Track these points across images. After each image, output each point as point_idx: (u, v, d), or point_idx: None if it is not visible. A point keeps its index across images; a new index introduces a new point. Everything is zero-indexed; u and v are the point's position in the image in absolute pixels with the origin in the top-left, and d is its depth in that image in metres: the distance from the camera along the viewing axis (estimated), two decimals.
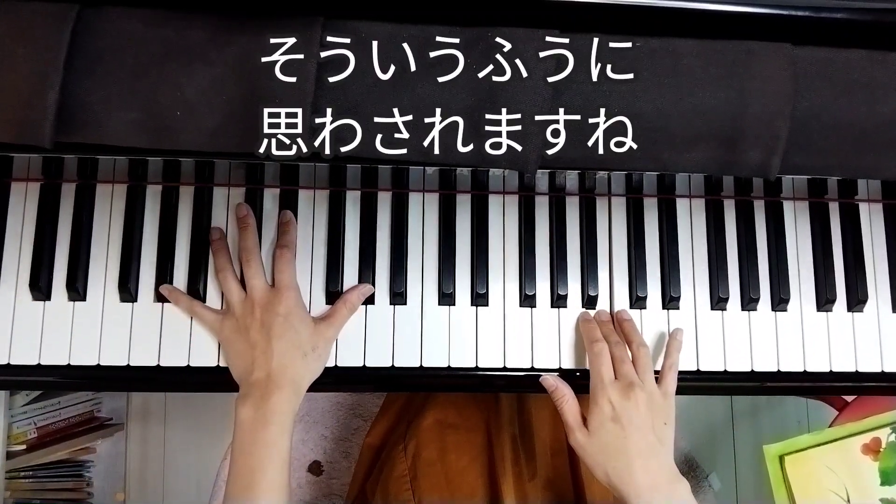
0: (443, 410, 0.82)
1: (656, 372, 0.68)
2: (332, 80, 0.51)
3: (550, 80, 0.52)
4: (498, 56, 0.52)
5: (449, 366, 0.70)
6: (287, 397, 0.63)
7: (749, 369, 0.72)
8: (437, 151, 0.53)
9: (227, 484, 0.62)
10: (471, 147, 0.53)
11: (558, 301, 0.72)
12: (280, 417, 0.62)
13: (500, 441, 0.78)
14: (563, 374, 0.70)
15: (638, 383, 0.65)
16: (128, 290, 0.69)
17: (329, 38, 0.51)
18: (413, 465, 0.78)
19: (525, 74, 0.52)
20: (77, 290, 0.68)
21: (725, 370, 0.72)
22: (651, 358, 0.68)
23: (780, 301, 0.73)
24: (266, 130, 0.51)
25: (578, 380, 0.69)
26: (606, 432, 0.63)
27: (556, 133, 0.53)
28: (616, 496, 0.63)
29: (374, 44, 0.52)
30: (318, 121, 0.52)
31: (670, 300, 0.72)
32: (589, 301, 0.72)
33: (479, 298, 0.71)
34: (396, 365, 0.70)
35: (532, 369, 0.71)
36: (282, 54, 0.50)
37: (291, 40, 0.51)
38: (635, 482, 0.62)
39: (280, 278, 0.67)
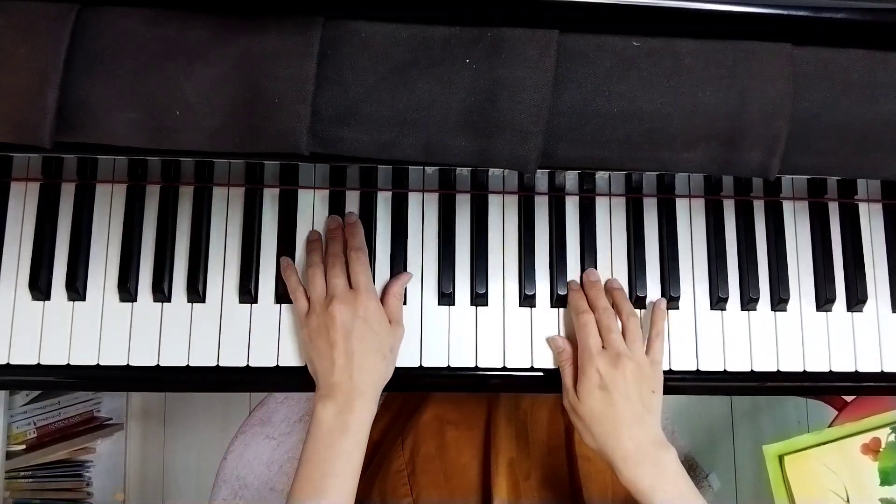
0: (442, 407, 0.82)
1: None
2: (332, 79, 0.51)
3: (549, 79, 0.52)
4: (498, 56, 0.52)
5: (449, 366, 0.70)
6: (368, 404, 0.64)
7: (749, 369, 0.72)
8: (436, 151, 0.53)
9: (296, 482, 0.62)
10: (471, 146, 0.53)
11: (558, 301, 0.72)
12: (360, 426, 0.63)
13: (496, 439, 0.78)
14: None
15: (626, 353, 0.66)
16: (127, 290, 0.69)
17: (328, 38, 0.51)
18: (411, 460, 0.78)
19: (524, 74, 0.51)
20: (76, 289, 0.68)
21: (725, 370, 0.72)
22: (640, 327, 0.69)
23: (779, 301, 0.73)
24: (266, 130, 0.51)
25: None
26: (594, 399, 0.65)
27: (555, 133, 0.53)
28: (605, 461, 0.65)
29: (374, 44, 0.52)
30: (317, 121, 0.51)
31: (670, 300, 0.72)
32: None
33: (479, 298, 0.71)
34: (396, 365, 0.69)
35: (532, 369, 0.71)
36: (282, 54, 0.50)
37: (291, 40, 0.51)
38: (622, 447, 0.63)
39: (358, 280, 0.67)
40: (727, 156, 0.55)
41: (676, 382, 0.71)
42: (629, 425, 0.64)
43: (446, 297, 0.71)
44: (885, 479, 0.88)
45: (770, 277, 0.74)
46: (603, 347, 0.66)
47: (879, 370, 0.73)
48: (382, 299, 0.69)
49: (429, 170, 0.73)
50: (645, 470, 0.62)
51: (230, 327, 0.69)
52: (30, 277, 0.68)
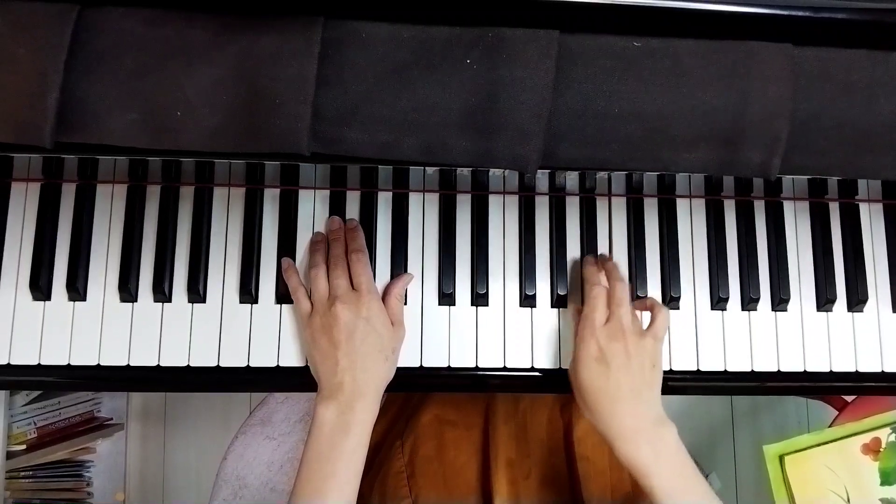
0: (441, 407, 0.82)
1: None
2: (332, 80, 0.51)
3: (550, 79, 0.52)
4: (498, 56, 0.52)
5: (449, 366, 0.70)
6: (370, 405, 0.64)
7: (749, 369, 0.72)
8: (437, 151, 0.53)
9: (298, 483, 0.62)
10: (471, 147, 0.53)
11: (558, 301, 0.72)
12: (362, 427, 0.63)
13: (495, 439, 0.78)
14: (564, 374, 0.70)
15: (629, 327, 0.65)
16: (128, 290, 0.69)
17: (329, 38, 0.51)
18: (410, 461, 0.78)
19: (525, 74, 0.51)
20: (77, 290, 0.68)
21: (725, 370, 0.72)
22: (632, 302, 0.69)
23: (780, 301, 0.73)
24: (267, 131, 0.51)
25: None
26: (590, 371, 0.64)
27: (556, 133, 0.53)
28: (602, 437, 0.64)
29: (375, 44, 0.52)
30: (318, 121, 0.52)
31: (670, 300, 0.72)
32: None
33: (479, 298, 0.71)
34: (397, 365, 0.69)
35: (532, 369, 0.71)
36: (282, 54, 0.50)
37: (292, 40, 0.51)
38: (619, 424, 0.62)
39: (359, 281, 0.67)
40: (728, 156, 0.55)
41: (677, 382, 0.71)
42: (627, 401, 0.63)
43: (447, 298, 0.71)
44: (886, 479, 0.88)
45: (770, 277, 0.74)
46: (607, 321, 0.66)
47: (880, 370, 0.73)
48: (384, 300, 0.69)
49: (429, 170, 0.73)
50: (642, 448, 0.61)
51: (230, 327, 0.69)
52: (30, 278, 0.68)
